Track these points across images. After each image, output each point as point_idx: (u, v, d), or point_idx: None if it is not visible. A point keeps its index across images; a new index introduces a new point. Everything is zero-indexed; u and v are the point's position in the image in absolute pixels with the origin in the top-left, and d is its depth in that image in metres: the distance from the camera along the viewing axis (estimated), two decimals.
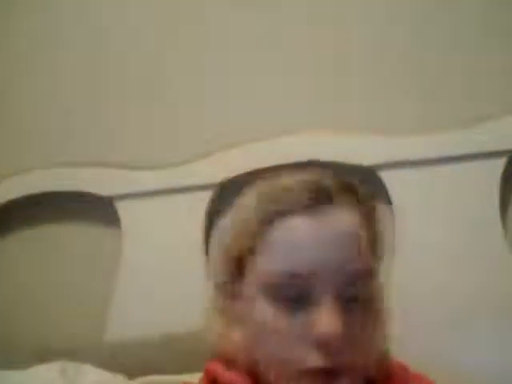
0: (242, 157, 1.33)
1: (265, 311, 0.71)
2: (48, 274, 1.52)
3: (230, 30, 1.42)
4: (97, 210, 1.48)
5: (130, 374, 1.24)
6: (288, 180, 0.75)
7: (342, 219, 0.72)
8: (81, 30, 1.55)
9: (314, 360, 0.68)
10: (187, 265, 1.35)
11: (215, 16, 1.44)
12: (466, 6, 1.26)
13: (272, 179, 0.77)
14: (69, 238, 1.52)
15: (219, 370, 0.76)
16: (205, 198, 1.36)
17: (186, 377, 1.02)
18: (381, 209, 0.78)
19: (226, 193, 1.38)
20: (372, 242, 0.75)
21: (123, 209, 1.42)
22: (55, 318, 1.48)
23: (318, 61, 1.35)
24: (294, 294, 0.69)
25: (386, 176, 1.24)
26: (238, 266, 0.75)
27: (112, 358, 1.27)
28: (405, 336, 1.07)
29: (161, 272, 1.37)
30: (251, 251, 0.74)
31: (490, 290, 1.15)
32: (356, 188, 0.76)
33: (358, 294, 0.70)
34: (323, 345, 0.67)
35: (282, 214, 0.72)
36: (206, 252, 1.38)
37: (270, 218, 0.72)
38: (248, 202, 0.77)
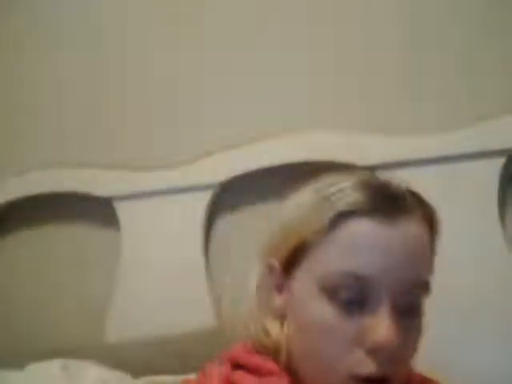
0: (241, 157, 1.33)
1: (319, 309, 0.69)
2: (48, 274, 1.52)
3: (230, 29, 1.42)
4: (96, 210, 1.48)
5: (131, 374, 1.24)
6: (356, 181, 0.73)
7: (412, 228, 0.71)
8: (81, 30, 1.55)
9: (367, 367, 0.67)
10: (187, 265, 1.35)
11: (215, 16, 1.44)
12: (466, 6, 1.26)
13: (334, 179, 0.75)
14: (68, 238, 1.52)
15: (245, 354, 0.75)
16: (204, 198, 1.36)
17: (186, 377, 1.02)
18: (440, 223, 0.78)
19: (225, 193, 1.38)
20: (432, 255, 0.75)
21: (122, 209, 1.42)
22: (55, 318, 1.48)
23: (318, 61, 1.35)
24: (352, 296, 0.68)
25: (385, 176, 1.24)
26: (291, 259, 0.74)
27: (112, 358, 1.27)
28: None
29: (160, 272, 1.37)
30: (311, 247, 0.72)
31: (489, 289, 1.15)
32: (424, 200, 0.76)
33: (413, 305, 0.70)
34: (378, 353, 0.66)
35: (350, 214, 0.70)
36: (206, 252, 1.38)
37: (337, 216, 0.70)
38: (309, 199, 0.74)
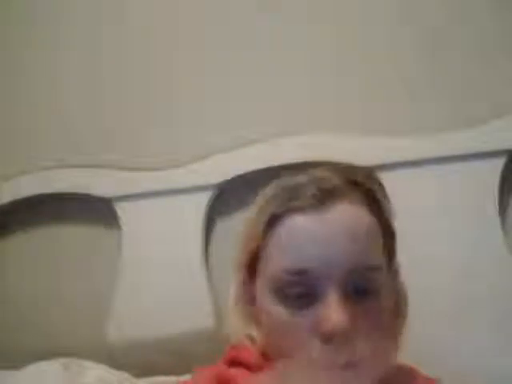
0: (241, 158, 1.33)
1: (274, 311, 0.72)
2: (48, 274, 1.52)
3: (230, 29, 1.42)
4: (96, 211, 1.48)
5: (131, 374, 1.24)
6: (292, 179, 0.76)
7: (346, 213, 0.72)
8: (80, 30, 1.55)
9: (323, 354, 0.68)
10: (187, 265, 1.35)
11: (215, 16, 1.44)
12: (466, 6, 1.26)
13: (281, 179, 0.78)
14: (69, 239, 1.52)
15: (240, 352, 0.77)
16: (204, 198, 1.36)
17: (186, 377, 1.02)
18: (388, 202, 0.78)
19: (226, 194, 1.38)
20: (382, 236, 0.75)
21: (123, 210, 1.42)
22: (55, 318, 1.48)
23: (319, 61, 1.35)
24: (300, 292, 0.70)
25: (385, 176, 1.24)
26: (250, 266, 0.77)
27: (112, 358, 1.27)
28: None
29: (160, 272, 1.37)
30: (259, 252, 0.75)
31: (489, 290, 1.15)
32: (364, 183, 0.77)
33: (367, 288, 0.71)
34: (332, 340, 0.67)
35: (285, 213, 0.73)
36: (206, 253, 1.38)
37: (274, 217, 0.74)
38: (257, 202, 0.78)
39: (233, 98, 1.41)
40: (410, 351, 1.01)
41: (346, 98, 1.33)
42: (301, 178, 0.76)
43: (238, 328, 0.79)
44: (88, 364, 1.23)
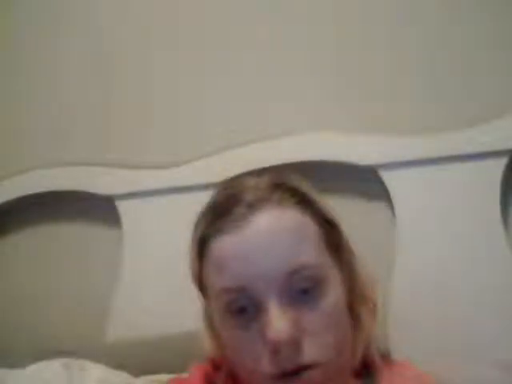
0: (242, 157, 1.33)
1: (225, 328, 0.73)
2: (48, 273, 1.52)
3: (230, 29, 1.42)
4: (97, 209, 1.48)
5: (131, 374, 1.24)
6: (214, 198, 0.80)
7: (267, 221, 0.72)
8: (80, 30, 1.55)
9: (275, 364, 0.68)
10: (187, 265, 1.35)
11: (215, 16, 1.44)
12: (466, 6, 1.26)
13: (209, 198, 0.81)
14: (69, 237, 1.52)
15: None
16: (206, 197, 1.35)
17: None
18: (318, 195, 0.78)
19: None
20: (323, 232, 0.75)
21: (124, 208, 1.42)
22: (55, 317, 1.48)
23: (319, 61, 1.35)
24: (243, 307, 0.71)
25: (386, 176, 1.24)
26: (200, 288, 0.79)
27: (112, 358, 1.27)
28: (404, 336, 1.08)
29: (161, 272, 1.37)
30: (201, 275, 0.77)
31: (492, 290, 1.15)
32: (290, 183, 0.77)
33: (308, 286, 0.71)
34: (275, 350, 0.68)
35: (210, 236, 0.75)
36: None
37: (203, 241, 0.76)
38: (193, 226, 0.81)
39: (233, 97, 1.41)
40: (410, 350, 1.01)
41: (346, 97, 1.33)
42: (221, 197, 0.78)
43: (208, 343, 0.81)
44: (88, 364, 1.22)
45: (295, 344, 0.68)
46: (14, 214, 1.54)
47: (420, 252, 1.20)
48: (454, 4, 1.27)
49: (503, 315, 1.13)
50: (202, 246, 0.76)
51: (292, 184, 0.77)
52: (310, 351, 0.68)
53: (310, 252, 0.72)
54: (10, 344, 1.42)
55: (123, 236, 1.42)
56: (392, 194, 1.24)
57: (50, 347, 1.32)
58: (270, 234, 0.71)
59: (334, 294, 0.72)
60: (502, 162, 1.16)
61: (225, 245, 0.72)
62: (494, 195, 1.16)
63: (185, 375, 0.86)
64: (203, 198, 1.38)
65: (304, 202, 0.75)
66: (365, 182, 1.27)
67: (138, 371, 1.24)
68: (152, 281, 1.38)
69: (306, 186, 0.78)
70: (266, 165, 1.29)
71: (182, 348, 1.24)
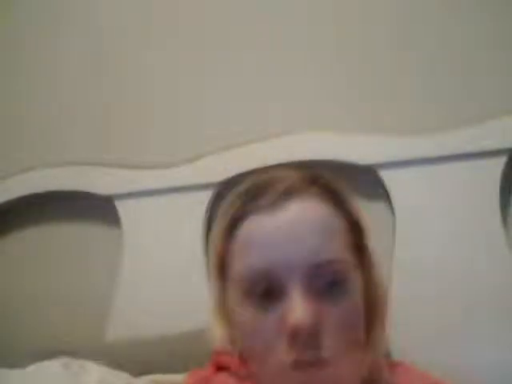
0: (242, 156, 1.33)
1: (243, 311, 0.72)
2: (48, 273, 1.52)
3: (230, 29, 1.42)
4: (97, 209, 1.48)
5: (131, 375, 1.24)
6: (250, 182, 0.78)
7: (301, 212, 0.72)
8: (80, 30, 1.55)
9: (291, 353, 0.67)
10: (188, 264, 1.35)
11: (215, 16, 1.44)
12: (466, 6, 1.26)
13: (241, 183, 0.79)
14: (69, 237, 1.52)
15: (227, 356, 0.77)
16: (205, 197, 1.36)
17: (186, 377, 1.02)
18: (350, 195, 0.78)
19: (226, 192, 1.37)
20: (350, 233, 0.75)
21: (123, 208, 1.42)
22: (55, 318, 1.48)
23: (319, 61, 1.35)
24: (265, 290, 0.70)
25: (386, 176, 1.24)
26: (221, 269, 0.77)
27: (112, 358, 1.26)
28: (404, 336, 1.08)
29: (161, 272, 1.37)
30: (225, 257, 0.75)
31: (491, 289, 1.15)
32: (324, 180, 0.77)
33: (333, 280, 0.70)
34: (296, 336, 0.67)
35: (243, 216, 0.74)
36: (207, 252, 1.38)
37: (234, 221, 0.75)
38: (220, 208, 0.79)
39: (233, 97, 1.41)
40: (411, 350, 1.01)
41: (345, 97, 1.33)
42: (258, 180, 0.77)
43: (217, 332, 0.78)
44: (88, 364, 1.22)
45: (315, 334, 0.67)
46: (14, 214, 1.54)
47: (419, 251, 1.20)
48: (453, 4, 1.27)
49: (502, 314, 1.13)
50: (234, 224, 0.75)
51: (327, 181, 0.78)
52: (329, 346, 0.68)
53: (339, 248, 0.72)
54: (10, 344, 1.42)
55: (123, 236, 1.42)
56: (391, 194, 1.24)
57: (50, 347, 1.32)
58: (303, 224, 0.71)
59: (355, 295, 0.72)
60: (502, 161, 1.16)
61: (257, 224, 0.72)
62: (493, 194, 1.16)
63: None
64: (203, 198, 1.41)
65: (337, 200, 0.76)
66: (364, 181, 1.27)
67: (138, 371, 1.24)
68: (151, 281, 1.38)
69: (340, 186, 0.79)
70: (266, 165, 1.29)
71: (182, 348, 1.25)
